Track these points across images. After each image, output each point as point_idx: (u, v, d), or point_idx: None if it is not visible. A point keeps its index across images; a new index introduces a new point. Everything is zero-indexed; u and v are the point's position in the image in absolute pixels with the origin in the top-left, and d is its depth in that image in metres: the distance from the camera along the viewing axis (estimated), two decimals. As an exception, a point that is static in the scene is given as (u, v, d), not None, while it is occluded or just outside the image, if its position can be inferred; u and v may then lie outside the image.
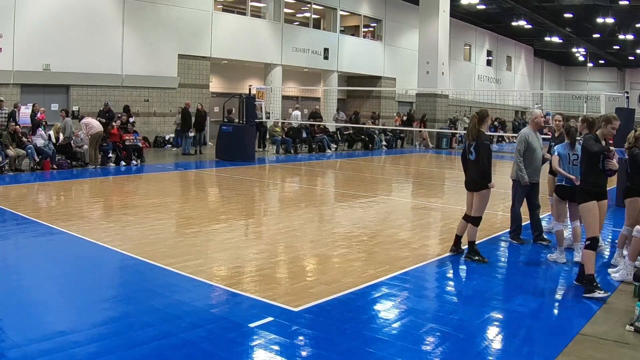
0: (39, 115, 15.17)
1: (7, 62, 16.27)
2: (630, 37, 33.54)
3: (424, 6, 26.07)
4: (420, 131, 25.69)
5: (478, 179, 6.58)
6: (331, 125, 23.88)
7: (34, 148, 13.48)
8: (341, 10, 27.94)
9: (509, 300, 5.46)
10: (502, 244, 7.86)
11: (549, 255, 6.95)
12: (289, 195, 12.47)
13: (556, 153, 6.81)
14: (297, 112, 23.30)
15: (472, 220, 6.70)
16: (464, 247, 6.90)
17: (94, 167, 14.37)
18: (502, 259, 7.13)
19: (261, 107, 20.85)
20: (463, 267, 6.59)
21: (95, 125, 14.55)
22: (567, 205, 6.82)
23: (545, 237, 7.72)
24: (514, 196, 7.70)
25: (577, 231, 6.89)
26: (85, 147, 14.48)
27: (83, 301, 5.07)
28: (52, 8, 17.23)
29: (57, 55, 17.22)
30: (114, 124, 15.59)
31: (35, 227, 7.80)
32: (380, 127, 24.51)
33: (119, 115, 16.93)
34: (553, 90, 45.57)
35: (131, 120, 17.47)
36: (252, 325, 4.58)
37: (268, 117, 21.52)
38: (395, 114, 28.49)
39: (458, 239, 6.89)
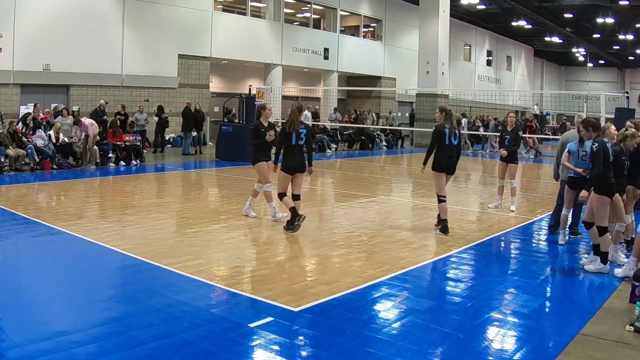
0: (41, 115, 15.15)
1: (7, 62, 16.27)
2: (630, 37, 33.55)
3: (424, 6, 26.06)
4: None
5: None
6: (327, 125, 23.80)
7: (34, 148, 13.48)
8: (341, 10, 27.94)
9: (509, 300, 5.46)
10: (502, 244, 7.87)
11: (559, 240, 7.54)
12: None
13: (567, 150, 7.38)
14: (308, 113, 23.15)
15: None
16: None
17: (94, 167, 14.36)
18: (502, 259, 7.13)
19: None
20: (463, 267, 6.60)
21: (96, 125, 14.56)
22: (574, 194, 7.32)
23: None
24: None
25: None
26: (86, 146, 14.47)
27: (83, 301, 5.07)
28: (52, 8, 17.23)
29: (57, 55, 17.22)
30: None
31: (35, 227, 7.80)
32: (375, 126, 24.35)
33: (121, 113, 16.98)
34: (553, 90, 45.62)
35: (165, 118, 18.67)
36: (252, 325, 4.58)
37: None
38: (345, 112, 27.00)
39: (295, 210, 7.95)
